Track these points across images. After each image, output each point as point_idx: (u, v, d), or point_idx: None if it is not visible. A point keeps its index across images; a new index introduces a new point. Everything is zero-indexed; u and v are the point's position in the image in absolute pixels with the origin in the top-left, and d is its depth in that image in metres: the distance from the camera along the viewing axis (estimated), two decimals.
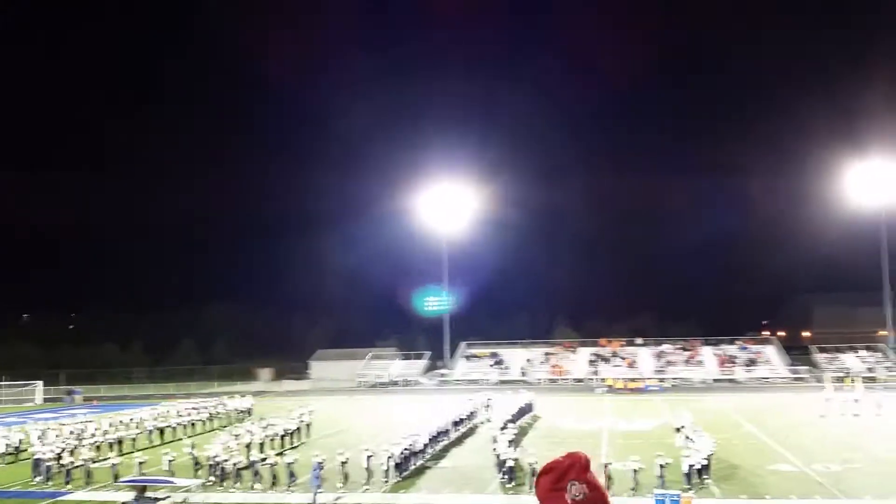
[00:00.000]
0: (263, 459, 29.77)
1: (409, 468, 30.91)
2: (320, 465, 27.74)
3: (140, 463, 31.12)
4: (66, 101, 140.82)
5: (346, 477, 28.69)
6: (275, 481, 28.89)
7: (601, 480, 2.64)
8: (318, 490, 26.85)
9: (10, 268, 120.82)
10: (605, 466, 26.23)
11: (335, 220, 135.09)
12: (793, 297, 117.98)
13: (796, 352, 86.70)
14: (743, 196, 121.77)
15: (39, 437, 38.49)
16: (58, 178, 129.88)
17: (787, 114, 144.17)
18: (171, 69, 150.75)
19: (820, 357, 77.13)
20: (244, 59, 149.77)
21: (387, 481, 29.07)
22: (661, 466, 26.41)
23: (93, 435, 39.12)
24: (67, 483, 30.41)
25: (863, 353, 76.41)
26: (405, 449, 30.66)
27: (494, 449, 32.50)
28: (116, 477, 29.85)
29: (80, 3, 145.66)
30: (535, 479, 2.66)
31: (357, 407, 60.01)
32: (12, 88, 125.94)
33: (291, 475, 28.86)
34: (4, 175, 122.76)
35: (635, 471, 26.64)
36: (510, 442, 31.94)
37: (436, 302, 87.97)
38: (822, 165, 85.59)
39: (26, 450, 37.87)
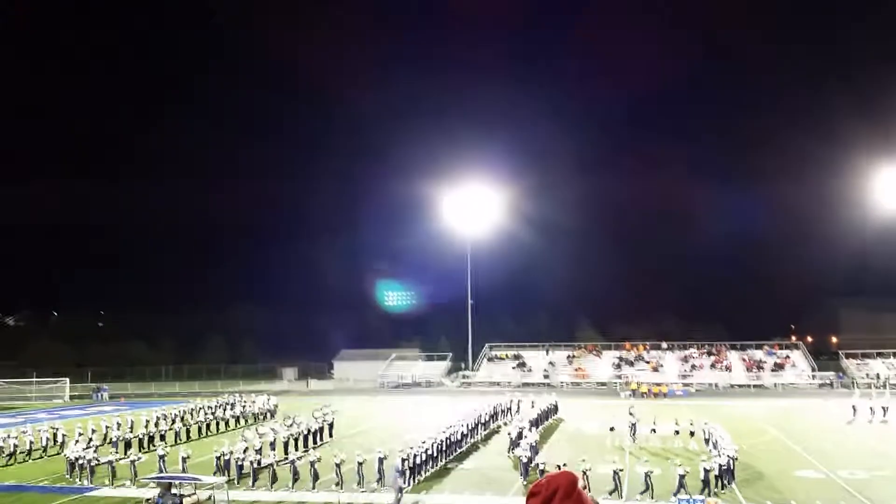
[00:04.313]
0: (297, 458, 29.95)
1: (430, 470, 31.01)
2: (400, 465, 27.71)
3: (161, 457, 31.58)
4: (95, 109, 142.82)
5: (362, 478, 28.84)
6: (297, 480, 29.08)
7: (585, 490, 2.53)
8: (400, 488, 26.73)
9: (40, 266, 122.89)
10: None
11: (361, 221, 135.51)
12: (821, 301, 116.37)
13: (824, 357, 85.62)
14: (772, 199, 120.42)
15: (71, 435, 39.16)
16: (87, 179, 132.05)
17: (816, 116, 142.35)
18: (191, 72, 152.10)
19: (848, 363, 76.13)
20: (265, 61, 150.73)
21: (419, 481, 29.16)
22: (681, 476, 26.21)
23: (123, 431, 39.72)
24: (96, 479, 30.83)
25: (891, 359, 75.29)
26: (419, 454, 30.64)
27: (514, 451, 32.70)
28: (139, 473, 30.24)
29: (99, 8, 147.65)
30: (525, 500, 2.55)
31: (380, 407, 60.23)
32: (38, 94, 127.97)
33: (316, 475, 29.02)
34: (35, 176, 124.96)
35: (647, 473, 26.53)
36: (532, 445, 31.90)
37: (395, 297, 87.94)
38: (852, 168, 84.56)
39: (59, 446, 38.52)
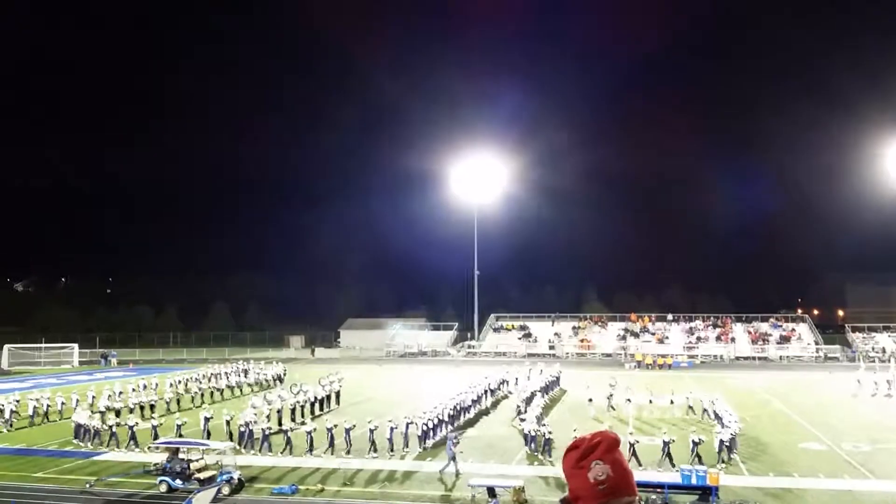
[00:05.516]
0: (332, 425, 30.01)
1: (435, 437, 31.26)
2: (456, 437, 28.02)
3: (179, 425, 31.88)
4: (103, 73, 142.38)
5: (374, 444, 29.07)
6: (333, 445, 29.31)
7: (627, 460, 2.61)
8: (454, 458, 26.82)
9: (48, 234, 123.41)
10: (632, 446, 26.13)
11: (368, 190, 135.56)
12: (828, 275, 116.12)
13: (830, 330, 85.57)
14: (780, 171, 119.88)
15: (79, 400, 39.56)
16: (94, 147, 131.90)
17: (825, 90, 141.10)
18: (196, 35, 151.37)
19: (854, 336, 76.10)
20: (276, 26, 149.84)
21: (423, 448, 29.44)
22: (696, 443, 26.36)
23: (129, 397, 40.06)
24: (103, 443, 31.10)
25: None
26: (431, 419, 31.00)
27: (519, 423, 32.95)
28: (156, 437, 30.46)
29: None
30: (564, 453, 2.65)
31: (386, 376, 60.60)
32: (52, 58, 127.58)
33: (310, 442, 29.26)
34: (43, 144, 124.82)
35: (666, 443, 26.62)
36: (537, 416, 32.11)
37: None
38: (860, 142, 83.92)
39: (64, 412, 38.91)
